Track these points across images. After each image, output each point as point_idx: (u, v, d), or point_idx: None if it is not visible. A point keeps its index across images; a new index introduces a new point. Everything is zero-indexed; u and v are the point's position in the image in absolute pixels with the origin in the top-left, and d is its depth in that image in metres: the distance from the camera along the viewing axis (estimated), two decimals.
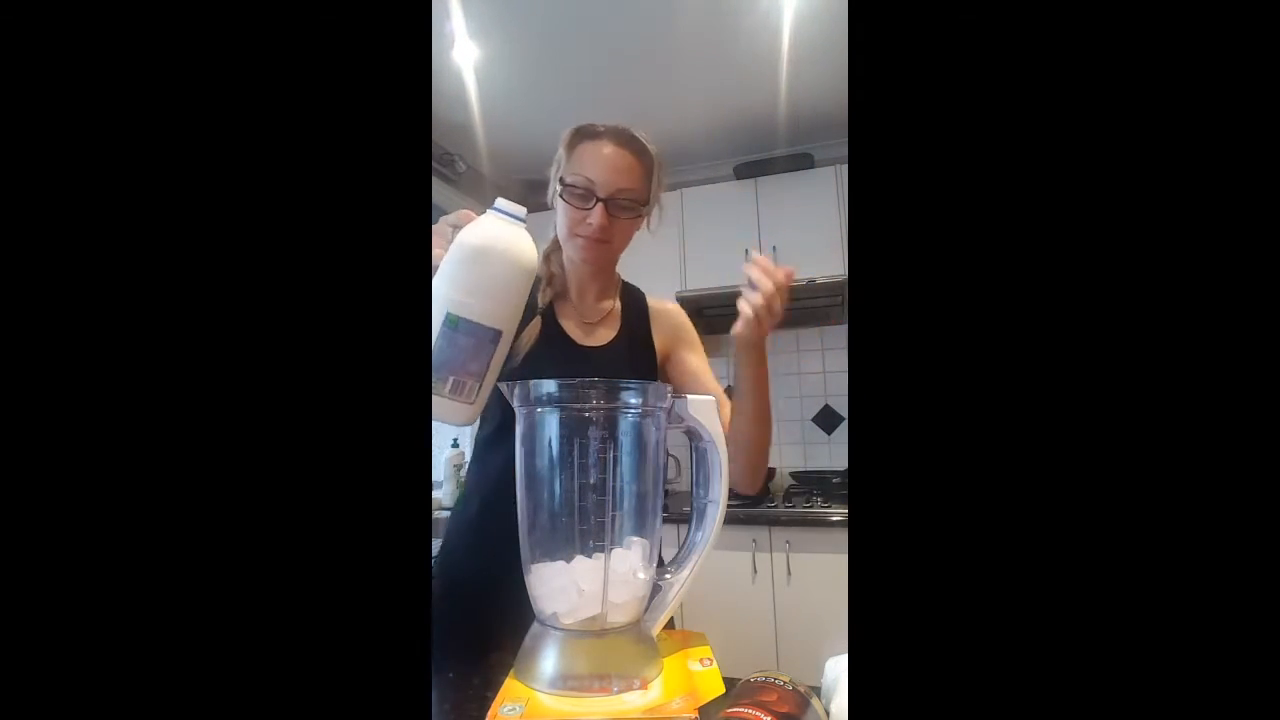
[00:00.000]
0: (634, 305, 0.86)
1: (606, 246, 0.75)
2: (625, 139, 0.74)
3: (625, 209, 0.74)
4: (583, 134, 0.75)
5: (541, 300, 0.78)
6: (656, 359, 0.83)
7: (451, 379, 0.44)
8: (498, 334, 0.45)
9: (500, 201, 0.48)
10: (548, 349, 0.75)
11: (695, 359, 0.84)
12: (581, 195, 0.73)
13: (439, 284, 0.45)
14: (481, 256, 0.46)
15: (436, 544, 1.52)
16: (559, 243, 0.81)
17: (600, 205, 0.72)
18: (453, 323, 0.44)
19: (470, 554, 0.75)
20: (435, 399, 0.44)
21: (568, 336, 0.78)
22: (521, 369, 0.71)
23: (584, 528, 0.44)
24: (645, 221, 0.79)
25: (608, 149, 0.73)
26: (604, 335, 0.81)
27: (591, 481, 0.44)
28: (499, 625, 0.57)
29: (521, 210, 0.48)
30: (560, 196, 0.74)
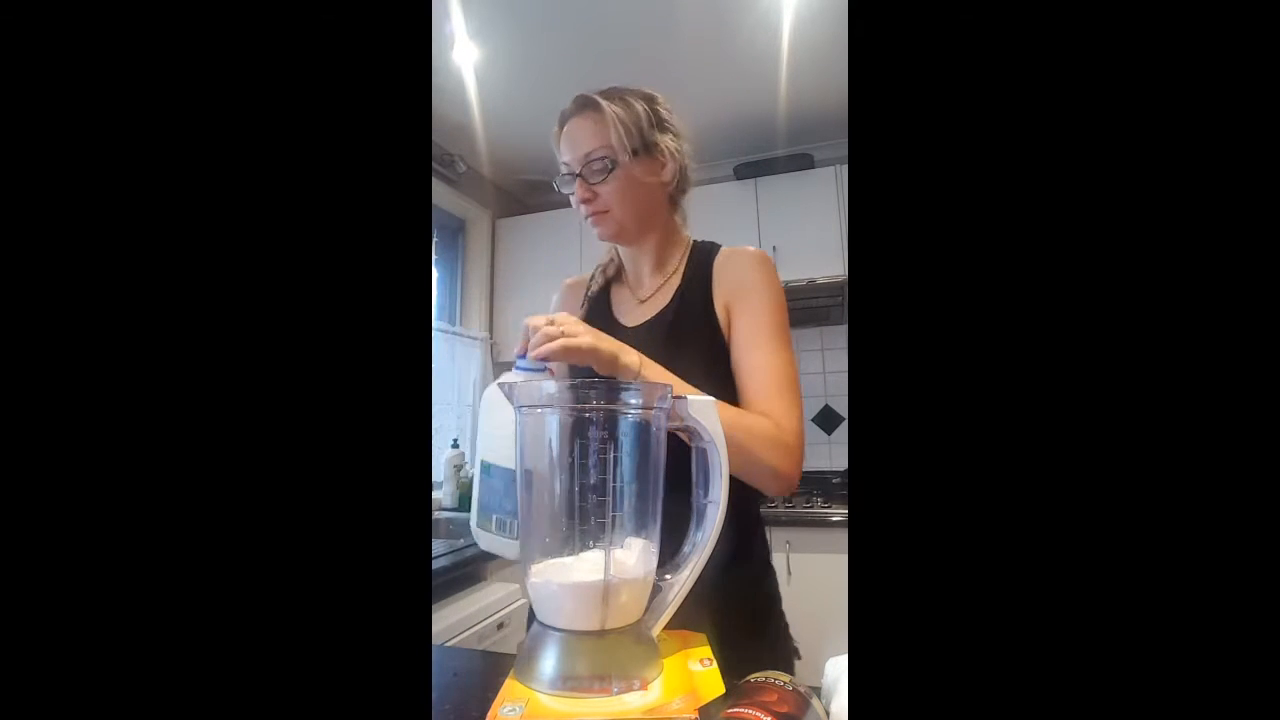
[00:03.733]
0: (699, 268, 0.76)
1: (607, 216, 0.73)
2: (578, 105, 0.73)
3: (599, 171, 0.71)
4: (558, 123, 0.75)
5: (593, 286, 0.82)
6: (717, 323, 0.71)
7: (495, 517, 0.50)
8: (514, 474, 0.49)
9: (520, 360, 0.54)
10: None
11: (747, 320, 0.70)
12: (567, 179, 0.73)
13: (480, 435, 0.53)
14: (495, 408, 0.52)
15: (438, 544, 1.51)
16: None
17: (578, 180, 0.72)
18: (485, 468, 0.50)
19: None
20: (488, 535, 0.50)
21: (614, 319, 0.78)
22: None
23: (584, 528, 0.44)
24: (661, 171, 0.73)
25: (570, 124, 0.73)
26: (650, 310, 0.76)
27: (592, 482, 0.44)
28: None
29: (541, 364, 0.53)
30: (561, 191, 0.75)
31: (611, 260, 0.83)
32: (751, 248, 0.75)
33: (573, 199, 0.75)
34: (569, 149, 0.73)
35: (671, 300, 0.75)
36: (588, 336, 0.57)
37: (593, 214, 0.73)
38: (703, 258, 0.77)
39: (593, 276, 0.83)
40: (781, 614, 0.80)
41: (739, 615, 0.66)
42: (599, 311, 0.80)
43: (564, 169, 0.74)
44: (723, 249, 0.77)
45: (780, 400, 0.67)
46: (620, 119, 0.71)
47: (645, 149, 0.72)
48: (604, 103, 0.71)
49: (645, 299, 0.78)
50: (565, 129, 0.74)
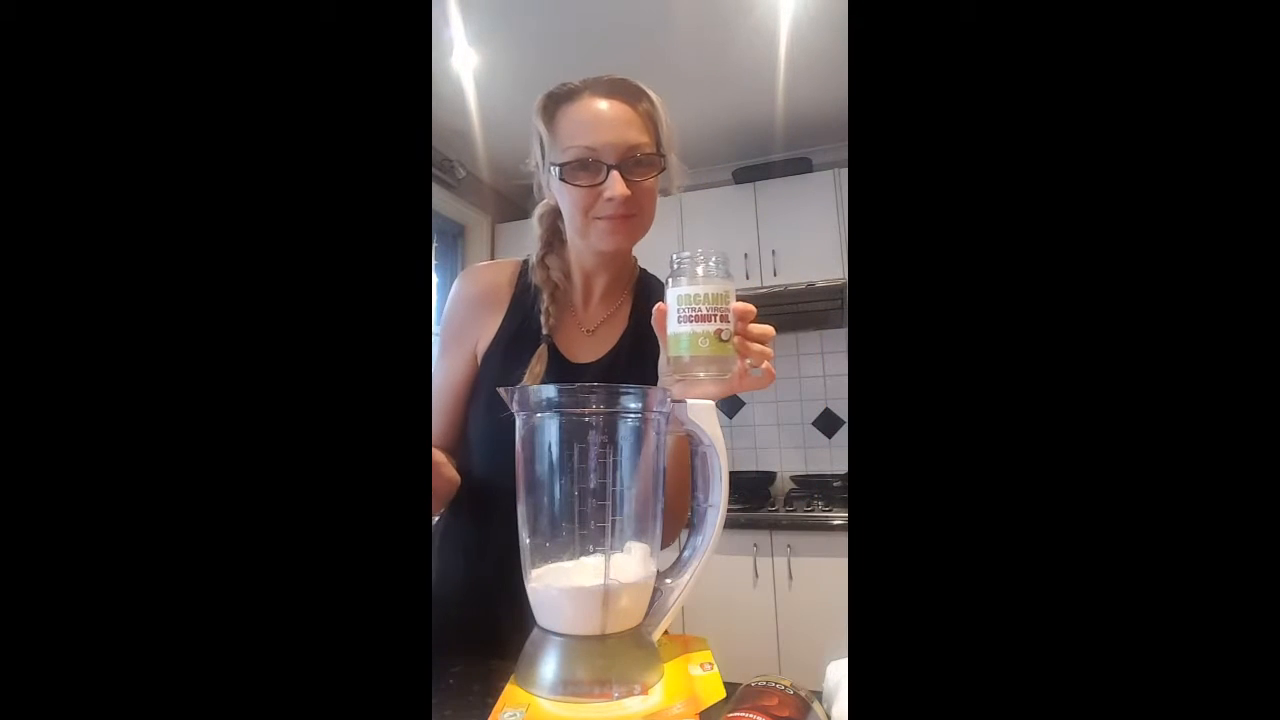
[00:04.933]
0: (648, 299, 0.70)
1: (636, 220, 0.63)
2: (614, 87, 0.62)
3: (644, 166, 0.62)
4: (558, 98, 0.63)
5: (546, 323, 0.68)
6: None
7: None
8: None
9: None
10: (546, 376, 0.66)
11: None
12: (588, 169, 0.60)
13: None
14: None
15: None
16: (557, 241, 0.71)
17: (615, 173, 0.60)
18: None
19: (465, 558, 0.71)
20: None
21: (563, 358, 0.68)
22: None
23: (584, 532, 0.44)
24: (667, 183, 0.66)
25: (598, 105, 0.62)
26: (603, 344, 0.70)
27: (591, 486, 0.44)
28: (496, 631, 0.56)
29: None
30: (561, 180, 0.61)
31: (559, 287, 0.69)
32: None
33: (564, 193, 0.63)
34: (600, 134, 0.60)
35: (623, 339, 0.70)
36: None
37: (623, 217, 0.62)
38: (653, 288, 0.71)
39: (542, 310, 0.68)
40: None
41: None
42: (553, 351, 0.68)
43: (575, 155, 0.61)
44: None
45: None
46: (664, 118, 0.64)
47: (669, 151, 0.65)
48: (646, 90, 0.63)
49: (593, 329, 0.70)
50: (588, 111, 0.62)
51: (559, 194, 0.65)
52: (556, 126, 0.63)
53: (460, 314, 0.73)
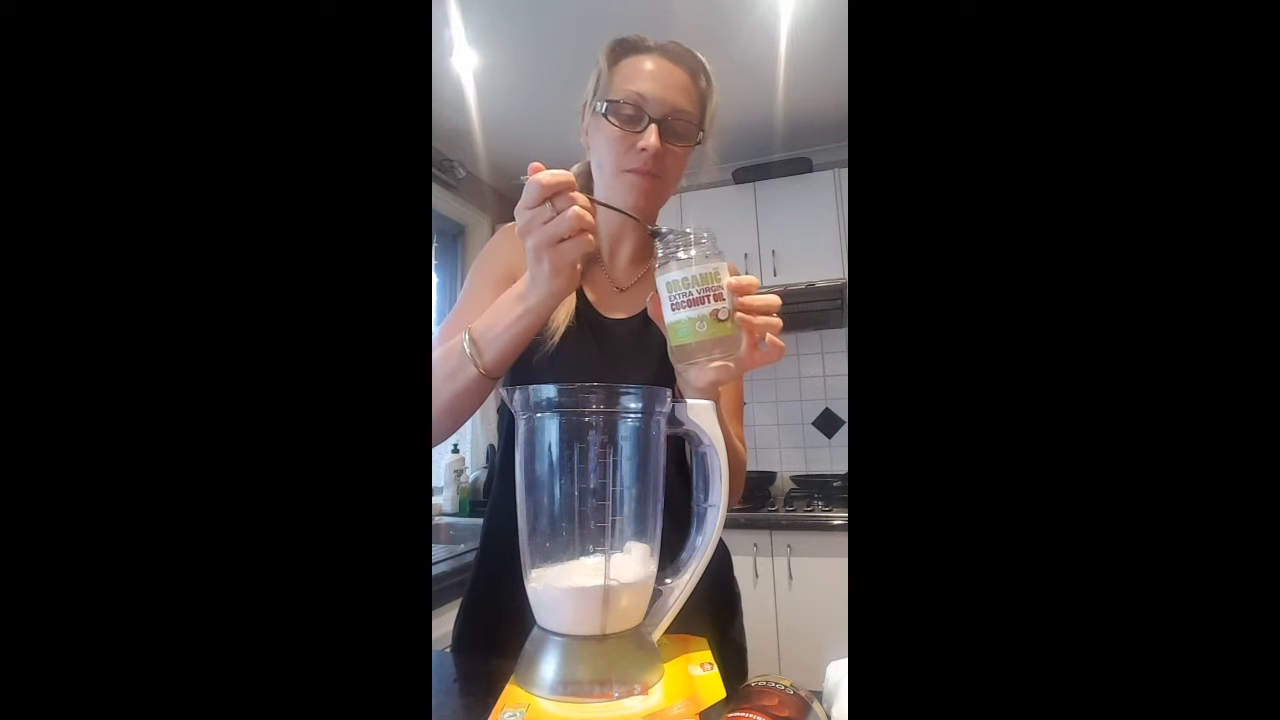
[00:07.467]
0: None
1: (659, 182, 0.65)
2: (679, 54, 0.66)
3: (679, 136, 0.64)
4: (627, 45, 0.67)
5: (581, 269, 0.70)
6: None
7: None
8: None
9: None
10: (576, 325, 0.67)
11: None
12: (631, 116, 0.63)
13: None
14: None
15: (438, 550, 1.50)
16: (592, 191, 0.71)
17: (654, 127, 0.62)
18: None
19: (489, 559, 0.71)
20: None
21: (593, 309, 0.69)
22: (558, 349, 0.65)
23: (584, 532, 0.44)
24: (697, 167, 0.70)
25: (660, 64, 0.65)
26: (637, 303, 0.70)
27: (591, 486, 0.44)
28: (502, 631, 0.56)
29: None
30: (605, 116, 0.64)
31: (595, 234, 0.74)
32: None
33: (605, 136, 0.64)
34: (652, 88, 0.63)
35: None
36: None
37: (648, 174, 0.63)
38: None
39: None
40: (741, 626, 0.81)
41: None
42: (581, 299, 0.70)
43: (624, 97, 0.63)
44: None
45: (739, 424, 0.71)
46: (714, 101, 0.68)
47: (709, 134, 0.69)
48: (707, 68, 0.67)
49: (626, 289, 0.72)
50: (650, 65, 0.65)
51: (595, 137, 0.67)
52: (616, 69, 0.66)
53: (505, 253, 0.72)
